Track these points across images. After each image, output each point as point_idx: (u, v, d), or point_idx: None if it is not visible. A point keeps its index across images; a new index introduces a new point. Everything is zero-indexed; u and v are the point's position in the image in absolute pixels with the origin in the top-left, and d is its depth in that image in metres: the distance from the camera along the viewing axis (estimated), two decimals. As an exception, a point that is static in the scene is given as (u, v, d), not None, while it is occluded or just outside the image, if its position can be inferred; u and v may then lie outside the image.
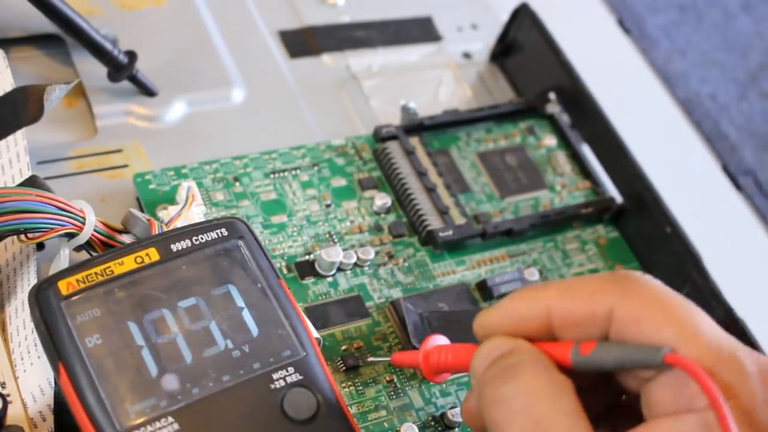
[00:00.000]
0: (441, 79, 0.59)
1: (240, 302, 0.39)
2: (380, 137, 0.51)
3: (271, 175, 0.49)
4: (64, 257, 0.40)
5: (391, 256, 0.48)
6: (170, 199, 0.46)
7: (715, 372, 0.31)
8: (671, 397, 0.32)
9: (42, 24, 0.49)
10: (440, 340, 0.41)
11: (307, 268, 0.46)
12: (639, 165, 0.52)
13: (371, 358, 0.44)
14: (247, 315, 0.39)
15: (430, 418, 0.44)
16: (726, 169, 0.62)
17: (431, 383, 0.44)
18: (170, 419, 0.36)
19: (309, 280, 0.46)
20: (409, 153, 0.51)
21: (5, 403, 0.38)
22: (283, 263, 0.46)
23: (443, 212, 0.49)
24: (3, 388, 0.39)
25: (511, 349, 0.34)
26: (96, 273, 0.38)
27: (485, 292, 0.48)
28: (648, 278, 0.34)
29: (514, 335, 0.35)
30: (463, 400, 0.38)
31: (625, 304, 0.33)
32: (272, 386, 0.38)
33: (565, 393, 0.32)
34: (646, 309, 0.33)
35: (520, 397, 0.33)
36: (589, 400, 0.34)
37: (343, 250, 0.47)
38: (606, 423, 0.36)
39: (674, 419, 0.31)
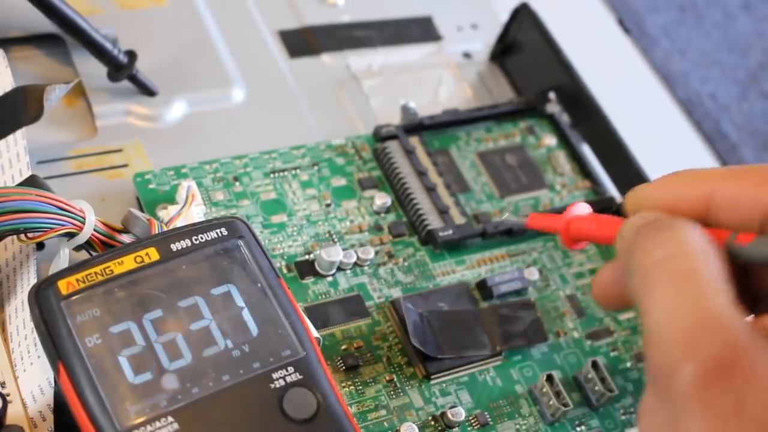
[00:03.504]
0: (441, 78, 0.59)
1: (240, 302, 0.39)
2: (380, 137, 0.51)
3: (271, 175, 0.49)
4: (64, 257, 0.40)
5: (391, 256, 0.48)
6: (170, 198, 0.46)
7: None
8: None
9: (42, 24, 0.49)
10: (584, 208, 0.39)
11: (307, 268, 0.46)
12: (639, 165, 0.52)
13: (506, 215, 0.42)
14: (246, 315, 0.39)
15: (430, 418, 0.44)
16: (726, 169, 0.62)
17: (431, 382, 0.45)
18: (170, 419, 0.36)
19: (309, 280, 0.46)
20: (409, 153, 0.51)
21: (5, 403, 0.38)
22: (283, 263, 0.46)
23: (443, 212, 0.49)
24: (3, 387, 0.39)
25: (664, 218, 0.34)
26: (96, 273, 0.38)
27: (485, 291, 0.48)
28: None
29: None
30: (595, 276, 0.37)
31: None
32: (272, 386, 0.38)
33: (720, 258, 0.32)
34: None
35: (671, 245, 0.32)
36: None
37: (343, 249, 0.47)
38: None
39: None
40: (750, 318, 0.32)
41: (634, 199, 0.35)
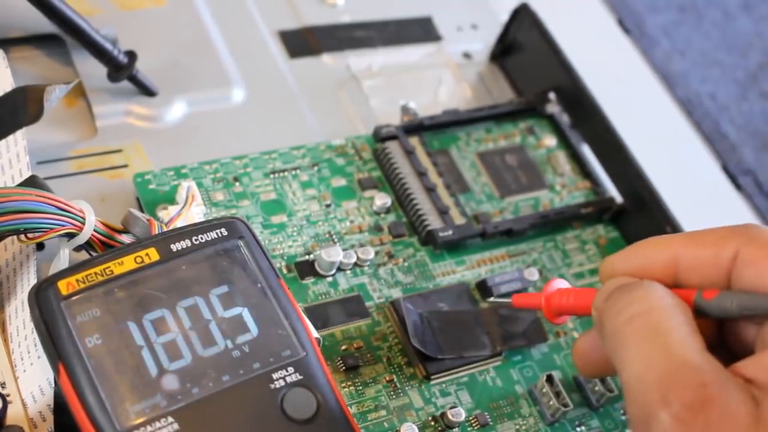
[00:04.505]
0: (441, 79, 0.59)
1: (240, 302, 0.39)
2: (380, 137, 0.51)
3: (271, 175, 0.49)
4: (64, 257, 0.40)
5: (391, 256, 0.48)
6: (170, 199, 0.46)
7: None
8: None
9: (42, 24, 0.49)
10: (562, 283, 0.42)
11: (307, 268, 0.46)
12: (639, 165, 0.52)
13: (492, 299, 0.46)
14: (247, 315, 0.39)
15: (430, 418, 0.44)
16: (726, 169, 0.62)
17: (431, 382, 0.45)
18: (170, 419, 0.36)
19: (309, 280, 0.46)
20: (409, 153, 0.51)
21: (5, 403, 0.38)
22: (283, 263, 0.46)
23: (443, 212, 0.49)
24: (3, 388, 0.39)
25: (630, 281, 0.36)
26: (96, 273, 0.38)
27: (485, 292, 0.48)
28: None
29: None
30: (574, 345, 0.39)
31: (748, 247, 0.35)
32: (272, 386, 0.38)
33: (684, 310, 0.34)
34: (766, 252, 0.34)
35: (638, 303, 0.34)
36: None
37: (343, 250, 0.47)
38: None
39: None
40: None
41: (606, 269, 0.38)
